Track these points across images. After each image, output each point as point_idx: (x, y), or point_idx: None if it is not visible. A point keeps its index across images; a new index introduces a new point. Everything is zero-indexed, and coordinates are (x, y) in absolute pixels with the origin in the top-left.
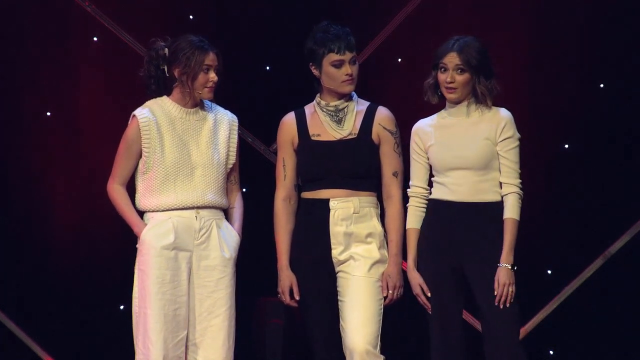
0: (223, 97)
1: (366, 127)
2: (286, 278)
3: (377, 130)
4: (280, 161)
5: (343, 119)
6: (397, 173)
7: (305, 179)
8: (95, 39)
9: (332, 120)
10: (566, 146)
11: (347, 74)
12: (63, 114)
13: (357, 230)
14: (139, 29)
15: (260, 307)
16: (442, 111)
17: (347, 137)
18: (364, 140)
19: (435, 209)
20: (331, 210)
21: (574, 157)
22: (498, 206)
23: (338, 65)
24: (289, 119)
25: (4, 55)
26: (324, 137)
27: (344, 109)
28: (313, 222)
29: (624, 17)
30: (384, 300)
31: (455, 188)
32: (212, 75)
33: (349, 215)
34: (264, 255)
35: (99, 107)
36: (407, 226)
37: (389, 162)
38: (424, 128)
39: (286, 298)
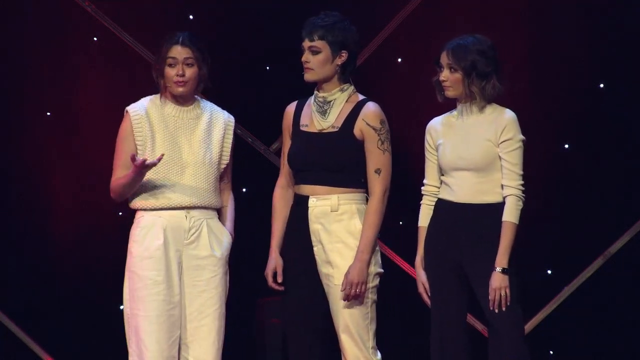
0: (223, 97)
1: (349, 122)
2: (272, 261)
3: (360, 125)
4: (283, 148)
5: (328, 111)
6: (379, 170)
7: (292, 169)
8: (95, 39)
9: (317, 111)
10: (566, 146)
11: (303, 61)
12: (63, 114)
13: (335, 229)
14: (139, 29)
15: (260, 307)
16: (453, 110)
17: (328, 130)
18: (344, 135)
19: (439, 208)
20: (309, 208)
21: (574, 157)
22: (499, 208)
23: (302, 50)
24: (290, 107)
25: (4, 55)
26: (309, 128)
27: (331, 101)
28: (295, 219)
29: (624, 17)
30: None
31: (457, 189)
32: (177, 69)
33: (326, 213)
34: (263, 256)
35: (99, 107)
36: (419, 224)
37: (371, 158)
38: (435, 126)
39: (269, 280)
